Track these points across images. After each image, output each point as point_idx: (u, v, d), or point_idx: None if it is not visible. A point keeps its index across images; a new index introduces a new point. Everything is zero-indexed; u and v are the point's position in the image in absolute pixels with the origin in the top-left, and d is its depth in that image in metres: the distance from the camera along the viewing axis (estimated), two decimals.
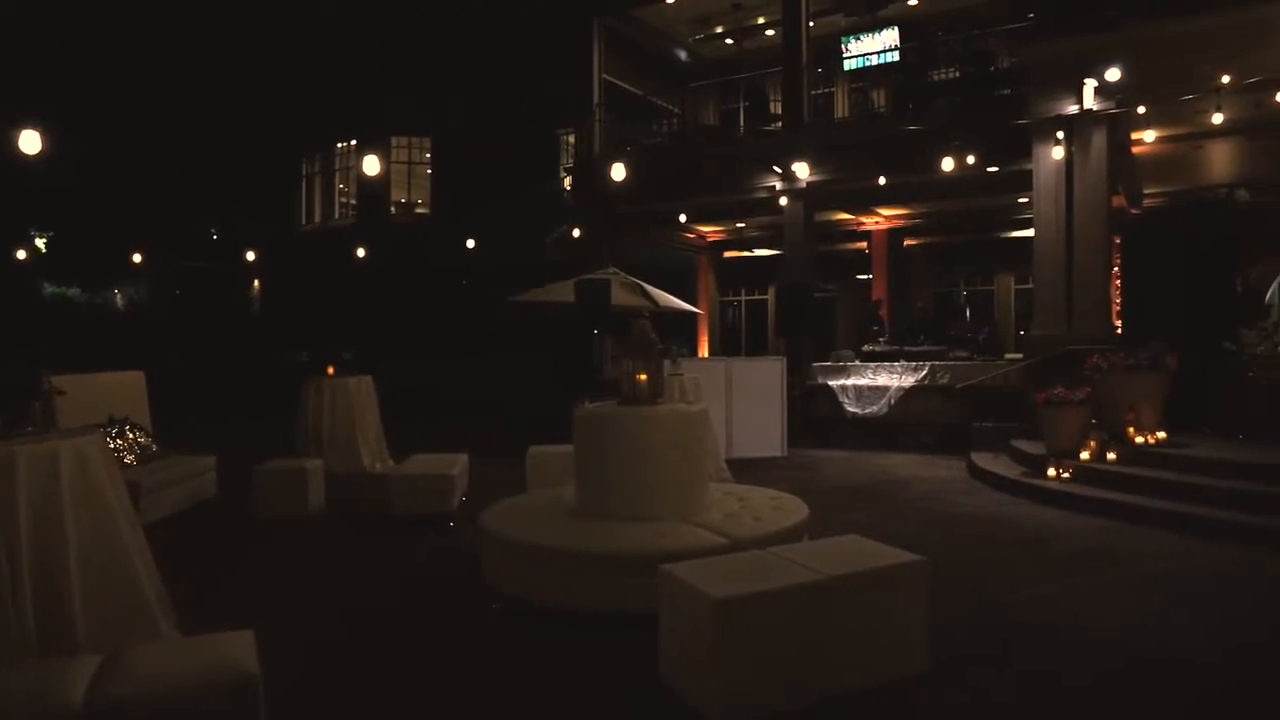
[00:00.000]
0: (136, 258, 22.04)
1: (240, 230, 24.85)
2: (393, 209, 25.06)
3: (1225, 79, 9.72)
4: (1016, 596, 5.33)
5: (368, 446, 10.21)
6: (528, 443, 8.39)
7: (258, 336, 24.47)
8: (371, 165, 9.96)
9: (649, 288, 12.57)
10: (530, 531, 5.16)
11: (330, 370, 10.45)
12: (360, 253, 20.50)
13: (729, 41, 19.09)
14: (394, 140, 24.77)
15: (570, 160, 21.09)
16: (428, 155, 25.00)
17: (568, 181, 20.08)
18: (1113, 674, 4.13)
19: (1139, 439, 8.93)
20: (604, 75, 17.56)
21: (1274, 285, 18.25)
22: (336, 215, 26.29)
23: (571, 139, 21.01)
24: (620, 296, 11.83)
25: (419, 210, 25.19)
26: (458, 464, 8.05)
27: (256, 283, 26.66)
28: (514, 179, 21.83)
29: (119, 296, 25.92)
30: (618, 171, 11.74)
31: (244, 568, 6.31)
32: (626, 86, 18.40)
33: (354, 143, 25.18)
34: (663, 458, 5.22)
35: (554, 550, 4.89)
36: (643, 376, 5.44)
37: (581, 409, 5.56)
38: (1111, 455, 8.74)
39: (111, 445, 7.41)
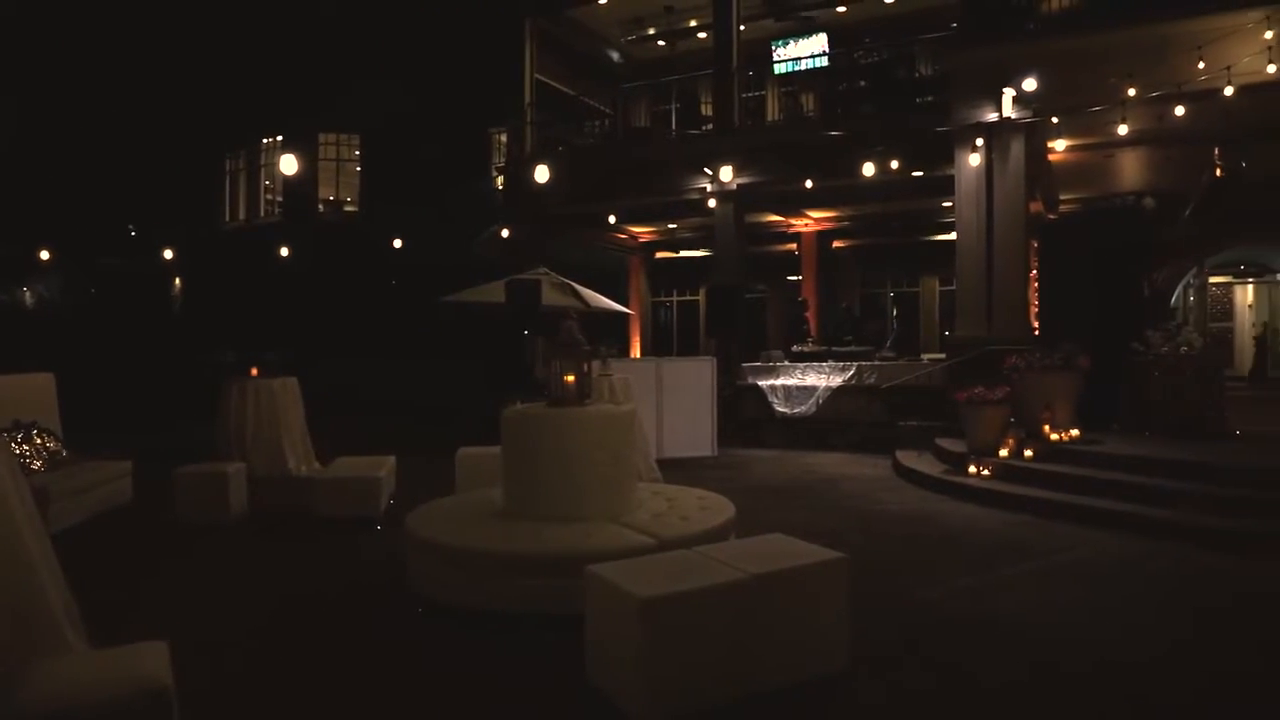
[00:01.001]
0: (44, 254, 21.16)
1: (160, 227, 24.06)
2: (320, 207, 24.58)
3: (1131, 92, 10.15)
4: (936, 592, 5.47)
5: (293, 449, 9.97)
6: (458, 444, 8.31)
7: (179, 337, 23.73)
8: (289, 164, 9.74)
9: (580, 288, 12.56)
10: (456, 533, 5.11)
11: (254, 371, 10.19)
12: (287, 251, 20.05)
13: (661, 43, 19.19)
14: (322, 137, 24.30)
15: (502, 159, 20.96)
16: (357, 152, 24.58)
17: (500, 181, 19.96)
18: (1028, 667, 4.26)
19: (1054, 436, 9.25)
20: (536, 75, 17.52)
21: (1178, 288, 19.08)
22: (262, 213, 25.67)
23: (504, 138, 20.89)
24: (551, 297, 11.80)
25: (348, 209, 24.75)
26: (385, 466, 7.94)
27: (178, 281, 25.86)
28: (445, 178, 21.60)
29: (28, 295, 24.87)
30: (541, 174, 11.74)
31: (160, 575, 6.12)
32: (559, 87, 18.37)
33: (280, 139, 24.62)
34: (590, 458, 5.22)
35: (480, 552, 4.85)
36: (570, 377, 5.44)
37: (509, 410, 5.53)
38: (1029, 452, 9.03)
39: (16, 450, 7.13)
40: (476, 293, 12.95)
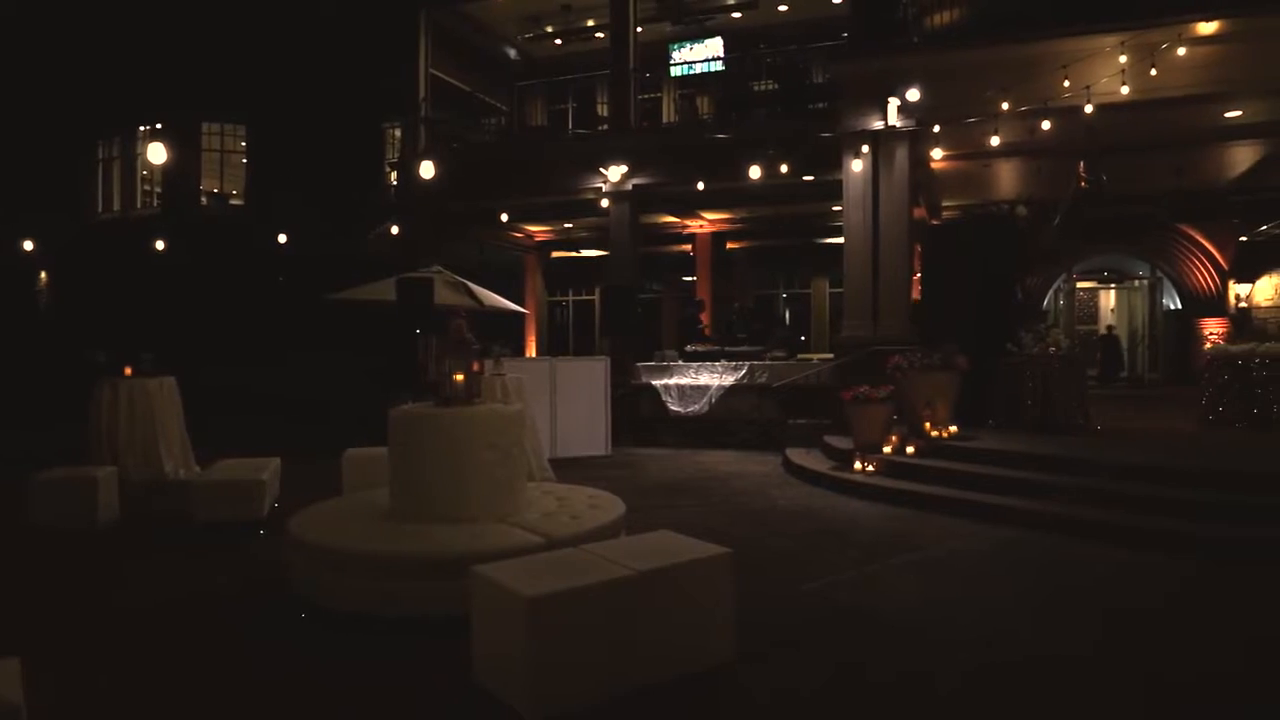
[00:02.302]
0: None
1: (23, 216, 22.58)
2: (204, 199, 23.55)
3: (1004, 106, 10.69)
4: (821, 584, 5.63)
5: (170, 452, 9.57)
6: (347, 445, 8.13)
7: (46, 334, 22.34)
8: (157, 153, 9.25)
9: (474, 287, 12.42)
10: (341, 536, 5.00)
11: (127, 370, 9.71)
12: (167, 245, 19.11)
13: (559, 42, 19.20)
14: (205, 126, 23.28)
15: (397, 155, 20.56)
16: (243, 144, 23.65)
17: (393, 176, 19.56)
18: (910, 657, 4.42)
19: (935, 433, 9.64)
20: (431, 70, 17.24)
21: (1050, 293, 20.15)
22: (139, 204, 24.43)
23: (398, 133, 20.47)
24: (444, 296, 11.63)
25: (233, 202, 23.79)
26: (269, 468, 7.70)
27: (44, 275, 24.34)
28: (337, 172, 20.99)
29: None
30: (426, 169, 11.59)
31: (14, 586, 5.77)
32: (454, 83, 18.14)
33: (158, 126, 23.46)
34: (479, 458, 5.19)
35: (366, 555, 4.77)
36: (459, 377, 5.39)
37: (396, 410, 5.45)
38: (911, 448, 9.38)
39: None
40: (367, 291, 12.66)
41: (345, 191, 20.24)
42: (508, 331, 17.44)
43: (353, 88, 20.69)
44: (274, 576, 5.52)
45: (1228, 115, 11.40)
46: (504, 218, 16.79)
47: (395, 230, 15.73)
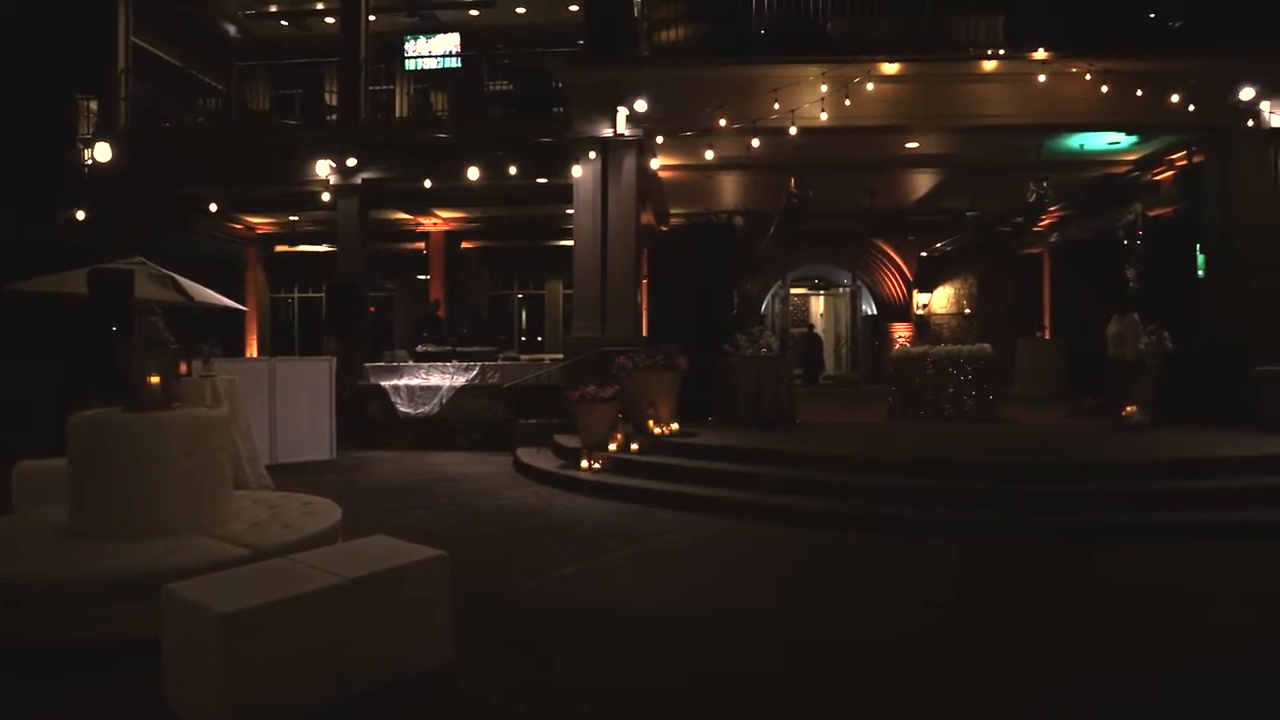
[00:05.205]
0: None
1: None
2: None
3: (722, 122, 11.46)
4: (544, 580, 5.77)
5: None
6: (22, 457, 7.18)
7: None
8: None
9: (183, 281, 11.38)
10: (8, 560, 4.46)
11: None
12: None
13: (284, 23, 18.15)
14: None
15: (92, 131, 18.43)
16: None
17: (88, 154, 17.51)
18: (625, 644, 4.62)
19: (657, 430, 10.14)
20: (134, 39, 15.63)
21: (768, 298, 21.80)
22: None
23: (95, 106, 18.37)
24: (147, 290, 10.56)
25: None
26: None
27: None
28: (18, 145, 18.43)
29: None
30: (103, 151, 10.53)
31: None
32: (163, 56, 16.60)
33: None
34: (176, 467, 4.81)
35: (32, 579, 4.28)
36: (155, 379, 4.97)
37: (77, 416, 4.92)
38: (635, 446, 9.79)
39: None
40: (54, 281, 11.20)
41: (23, 169, 17.83)
42: (227, 330, 16.26)
43: (36, 49, 18.26)
44: None
45: (909, 145, 12.96)
46: (213, 207, 15.60)
47: (81, 216, 14.07)
